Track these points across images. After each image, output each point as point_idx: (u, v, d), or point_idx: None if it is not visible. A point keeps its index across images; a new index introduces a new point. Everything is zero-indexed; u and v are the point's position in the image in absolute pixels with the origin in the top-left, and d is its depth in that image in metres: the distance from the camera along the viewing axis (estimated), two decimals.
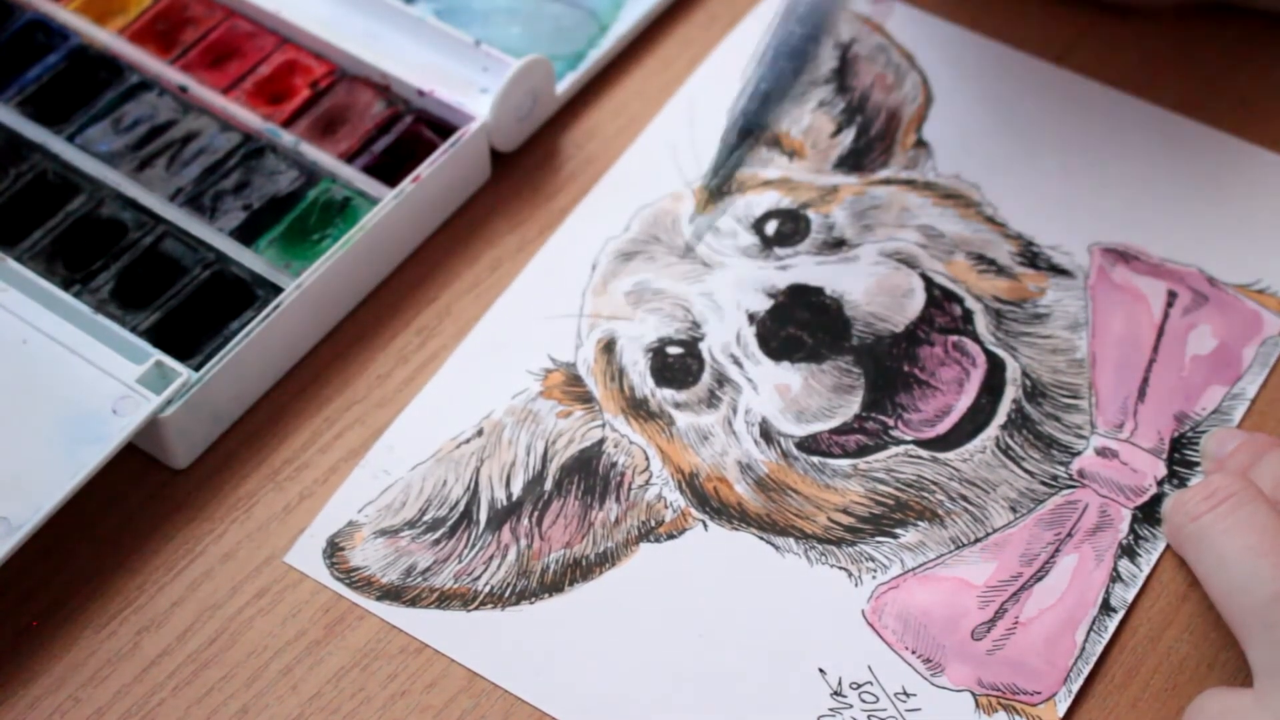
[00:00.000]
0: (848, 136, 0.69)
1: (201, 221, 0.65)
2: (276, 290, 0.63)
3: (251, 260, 0.64)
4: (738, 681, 0.57)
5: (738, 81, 0.63)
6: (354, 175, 0.66)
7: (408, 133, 0.68)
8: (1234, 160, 0.68)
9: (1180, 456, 0.61)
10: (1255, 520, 0.55)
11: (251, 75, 0.69)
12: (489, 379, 0.63)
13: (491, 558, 0.60)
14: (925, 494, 0.60)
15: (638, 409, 0.62)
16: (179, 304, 0.63)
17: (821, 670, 0.57)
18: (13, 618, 0.59)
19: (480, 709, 0.57)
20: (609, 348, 0.64)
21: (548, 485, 0.61)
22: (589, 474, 0.61)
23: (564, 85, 0.70)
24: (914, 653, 0.57)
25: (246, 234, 0.65)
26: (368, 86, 0.69)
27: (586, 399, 0.63)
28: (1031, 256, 0.66)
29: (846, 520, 0.60)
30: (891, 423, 0.62)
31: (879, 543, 0.60)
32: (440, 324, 0.65)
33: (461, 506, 0.61)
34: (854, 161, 0.68)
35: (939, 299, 0.64)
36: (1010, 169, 0.68)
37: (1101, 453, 0.61)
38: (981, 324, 0.64)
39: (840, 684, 0.57)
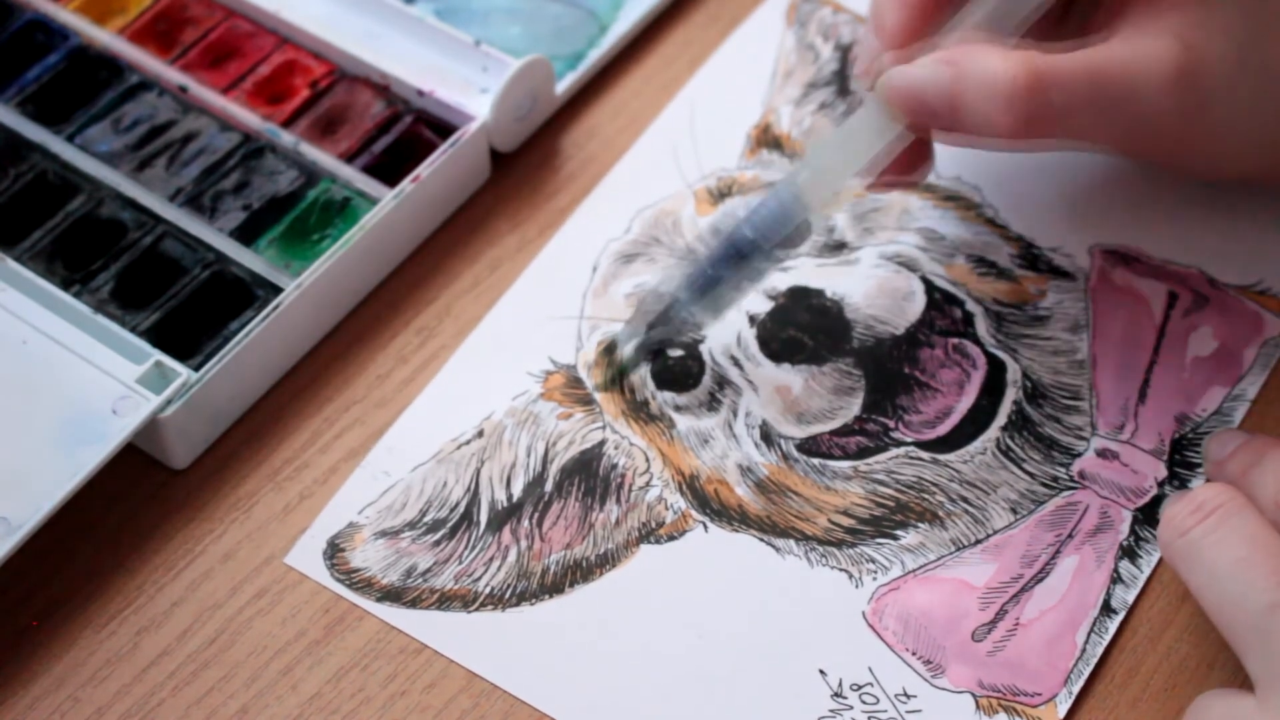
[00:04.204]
0: None
1: (201, 221, 0.65)
2: (276, 290, 0.63)
3: (251, 260, 0.64)
4: (738, 683, 0.57)
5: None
6: (354, 175, 0.66)
7: (407, 133, 0.68)
8: None
9: (1181, 458, 0.61)
10: (1244, 531, 0.54)
11: (251, 75, 0.69)
12: (489, 380, 0.63)
13: (492, 559, 0.60)
14: (926, 495, 0.60)
15: (638, 412, 0.62)
16: (179, 304, 0.63)
17: (822, 671, 0.57)
18: (13, 618, 0.59)
19: (480, 709, 0.57)
20: (610, 350, 0.64)
21: (548, 487, 0.61)
22: (589, 475, 0.61)
23: (564, 85, 0.70)
24: (914, 654, 0.57)
25: (246, 234, 0.65)
26: (367, 86, 0.68)
27: (587, 401, 0.63)
28: (1032, 259, 0.66)
29: (847, 522, 0.60)
30: (892, 424, 0.62)
31: (879, 544, 0.60)
32: (440, 324, 0.65)
33: (462, 508, 0.61)
34: None
35: (939, 302, 0.64)
36: (1010, 171, 0.68)
37: (1102, 454, 0.61)
38: (982, 326, 0.64)
39: (841, 685, 0.57)
